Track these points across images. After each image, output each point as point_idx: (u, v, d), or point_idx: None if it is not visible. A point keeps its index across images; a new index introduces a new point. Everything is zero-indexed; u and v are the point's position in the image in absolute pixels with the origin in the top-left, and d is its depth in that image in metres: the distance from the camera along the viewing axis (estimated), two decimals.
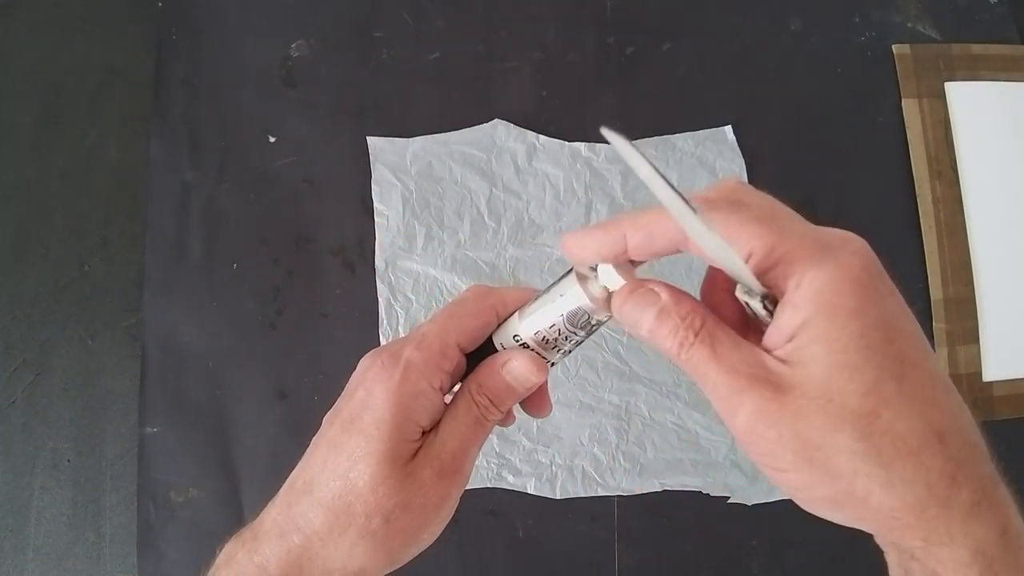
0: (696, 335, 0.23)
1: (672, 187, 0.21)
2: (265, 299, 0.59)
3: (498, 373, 0.27)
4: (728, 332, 0.23)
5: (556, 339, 0.28)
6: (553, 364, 0.28)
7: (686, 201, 0.21)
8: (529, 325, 0.27)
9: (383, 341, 0.57)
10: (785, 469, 0.22)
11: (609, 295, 0.26)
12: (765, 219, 0.23)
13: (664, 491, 0.57)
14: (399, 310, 0.58)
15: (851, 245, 0.23)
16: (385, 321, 0.58)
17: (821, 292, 0.21)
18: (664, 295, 0.24)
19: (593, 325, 0.26)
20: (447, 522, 0.30)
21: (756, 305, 0.23)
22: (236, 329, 0.58)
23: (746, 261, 0.22)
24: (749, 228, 0.23)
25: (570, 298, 0.26)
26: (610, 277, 0.25)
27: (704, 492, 0.57)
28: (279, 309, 0.59)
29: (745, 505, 0.57)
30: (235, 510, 0.56)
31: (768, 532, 0.57)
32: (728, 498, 0.57)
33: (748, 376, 0.21)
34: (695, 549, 0.57)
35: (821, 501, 0.22)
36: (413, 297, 0.58)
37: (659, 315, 0.24)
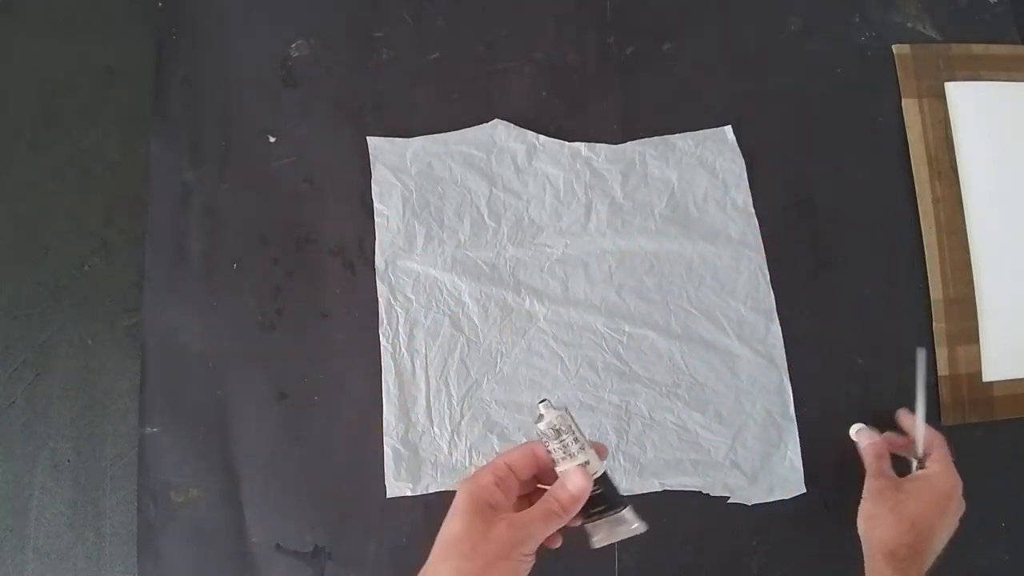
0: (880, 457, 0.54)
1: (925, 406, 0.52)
2: (265, 299, 0.59)
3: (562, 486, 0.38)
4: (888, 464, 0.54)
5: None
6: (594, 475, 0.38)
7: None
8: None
9: (383, 341, 0.57)
10: (882, 506, 0.51)
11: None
12: (940, 442, 0.52)
13: (664, 491, 0.57)
14: (399, 310, 0.58)
15: (958, 482, 0.50)
16: (385, 321, 0.58)
17: (937, 477, 0.50)
18: (877, 436, 0.56)
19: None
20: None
21: (915, 462, 0.52)
22: (236, 329, 0.58)
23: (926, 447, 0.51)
24: (934, 440, 0.52)
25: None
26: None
27: (704, 492, 0.57)
28: (279, 309, 0.59)
29: (745, 505, 0.57)
30: (235, 510, 0.56)
31: (768, 532, 0.57)
32: (728, 498, 0.57)
33: (886, 477, 0.51)
34: (695, 549, 0.57)
35: (867, 516, 0.52)
36: (413, 297, 0.58)
37: (872, 442, 0.56)
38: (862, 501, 0.51)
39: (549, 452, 0.38)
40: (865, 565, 0.49)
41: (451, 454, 0.57)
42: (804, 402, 0.58)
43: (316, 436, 0.57)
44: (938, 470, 0.50)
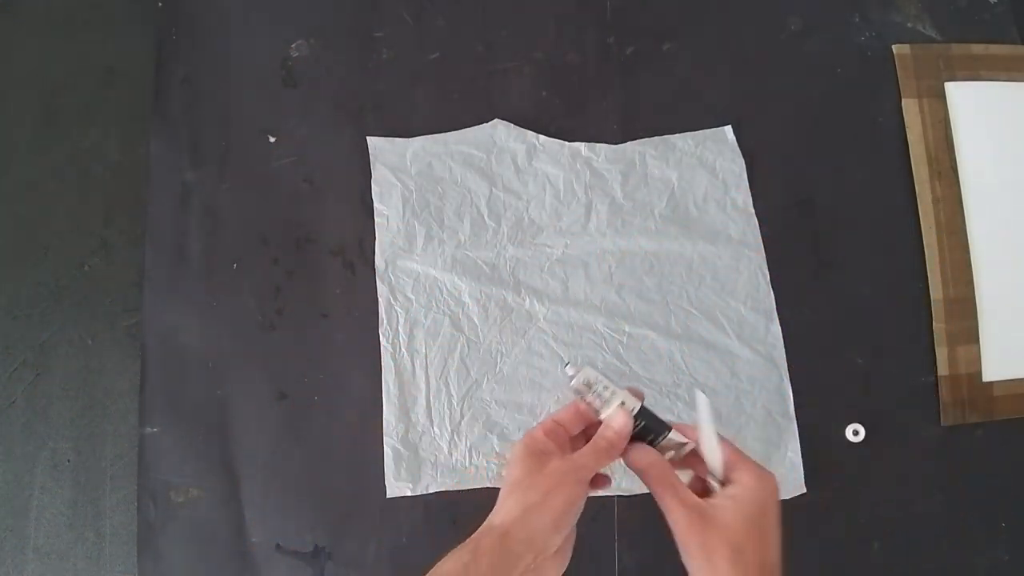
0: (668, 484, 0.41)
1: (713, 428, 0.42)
2: (265, 299, 0.59)
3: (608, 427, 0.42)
4: (684, 488, 0.41)
5: None
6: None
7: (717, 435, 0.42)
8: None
9: (383, 341, 0.57)
10: (697, 547, 0.39)
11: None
12: (751, 461, 0.42)
13: None
14: (399, 310, 0.58)
15: (770, 486, 0.41)
16: (385, 321, 0.58)
17: (749, 494, 0.40)
18: (654, 456, 0.42)
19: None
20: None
21: (715, 483, 0.41)
22: (236, 329, 0.58)
23: (722, 463, 0.42)
24: (731, 452, 0.42)
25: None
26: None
27: None
28: (279, 309, 0.59)
29: None
30: (235, 510, 0.56)
31: None
32: None
33: (689, 504, 0.40)
34: None
35: (709, 565, 0.39)
36: (413, 297, 0.58)
37: (650, 464, 0.42)
38: (681, 550, 0.40)
39: (589, 404, 0.41)
40: None
41: (451, 454, 0.57)
42: (804, 402, 0.58)
43: (316, 436, 0.57)
44: (751, 483, 0.41)
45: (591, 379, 0.42)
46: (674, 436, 0.42)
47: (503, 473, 0.45)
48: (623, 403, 0.42)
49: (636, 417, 0.42)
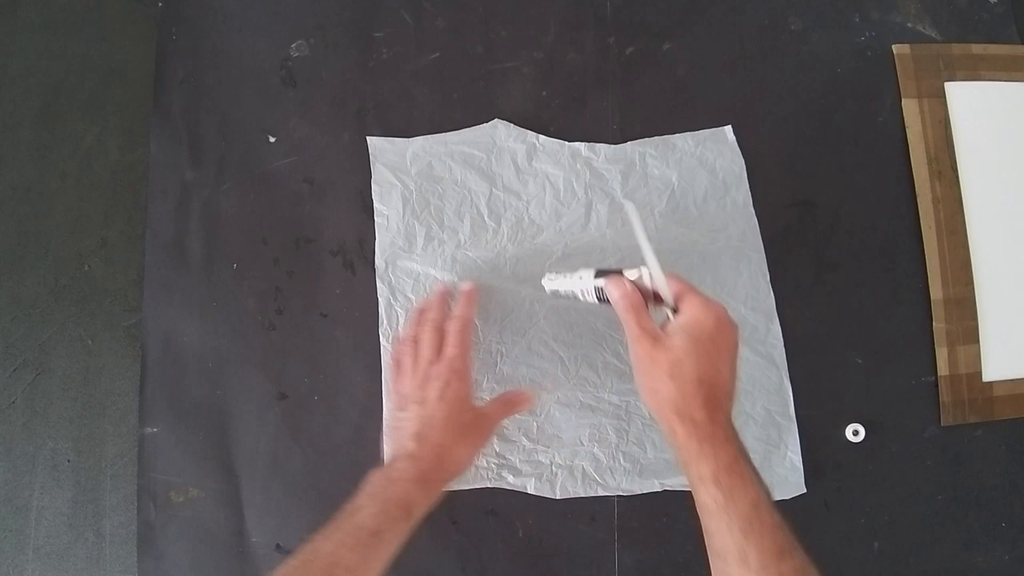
0: (633, 306, 0.47)
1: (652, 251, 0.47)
2: (265, 299, 0.59)
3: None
4: (644, 314, 0.47)
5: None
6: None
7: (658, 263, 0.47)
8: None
9: (383, 341, 0.57)
10: (644, 370, 0.46)
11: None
12: (695, 291, 0.47)
13: (664, 491, 0.57)
14: (399, 310, 0.58)
15: (714, 313, 0.45)
16: (385, 321, 0.58)
17: (694, 319, 0.45)
18: (628, 287, 0.48)
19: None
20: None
21: (669, 311, 0.47)
22: (236, 329, 0.58)
23: (674, 294, 0.47)
24: (678, 283, 0.47)
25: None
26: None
27: None
28: (279, 309, 0.59)
29: None
30: (235, 510, 0.56)
31: None
32: None
33: (645, 331, 0.46)
34: (695, 549, 0.57)
35: (649, 391, 0.46)
36: (413, 297, 0.58)
37: (626, 295, 0.48)
38: (633, 370, 0.47)
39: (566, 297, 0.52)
40: (669, 442, 0.45)
41: None
42: (804, 402, 0.58)
43: (316, 436, 0.57)
44: (695, 311, 0.45)
45: (557, 289, 0.52)
46: (627, 272, 0.48)
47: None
48: (581, 277, 0.50)
49: (597, 275, 0.49)
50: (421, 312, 0.55)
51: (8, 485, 0.57)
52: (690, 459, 0.43)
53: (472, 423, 0.51)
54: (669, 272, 0.47)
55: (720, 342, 0.45)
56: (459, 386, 0.51)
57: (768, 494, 0.42)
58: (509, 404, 0.54)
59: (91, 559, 0.56)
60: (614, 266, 0.53)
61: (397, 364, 0.54)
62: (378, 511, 0.44)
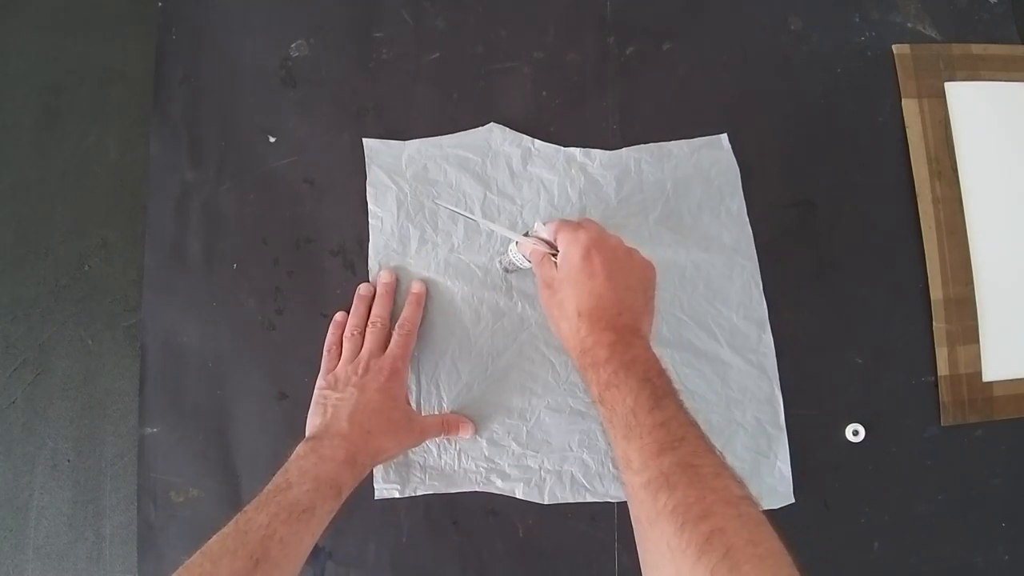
0: (539, 260, 0.51)
1: (499, 227, 0.55)
2: (265, 299, 0.59)
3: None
4: (547, 263, 0.51)
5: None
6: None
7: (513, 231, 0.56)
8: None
9: None
10: (549, 316, 0.50)
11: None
12: (567, 228, 0.49)
13: None
14: None
15: (578, 240, 0.48)
16: None
17: (563, 256, 0.49)
18: (537, 245, 0.51)
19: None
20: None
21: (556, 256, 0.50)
22: (236, 329, 0.58)
23: (552, 240, 0.51)
24: (555, 225, 0.51)
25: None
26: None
27: None
28: (279, 309, 0.59)
29: None
30: (235, 510, 0.56)
31: None
32: None
33: (545, 280, 0.50)
34: None
35: (556, 335, 0.50)
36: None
37: (533, 252, 0.52)
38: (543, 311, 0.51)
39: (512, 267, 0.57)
40: (577, 364, 0.47)
41: (440, 457, 0.57)
42: (804, 402, 0.58)
43: None
44: (562, 247, 0.49)
45: (507, 264, 0.57)
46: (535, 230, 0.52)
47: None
48: (517, 243, 0.54)
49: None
50: (364, 300, 0.57)
51: (8, 485, 0.57)
52: (585, 386, 0.46)
53: (403, 422, 0.52)
54: (554, 219, 0.52)
55: (592, 267, 0.47)
56: (397, 383, 0.53)
57: (656, 394, 0.42)
58: (446, 424, 0.55)
59: (91, 559, 0.56)
60: None
61: (337, 346, 0.56)
62: (311, 488, 0.45)
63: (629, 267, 0.48)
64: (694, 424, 0.41)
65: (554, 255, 0.50)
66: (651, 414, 0.40)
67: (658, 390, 0.42)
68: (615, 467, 0.42)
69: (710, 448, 0.39)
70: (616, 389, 0.42)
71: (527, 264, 0.54)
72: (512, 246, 0.55)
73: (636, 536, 0.40)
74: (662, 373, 0.43)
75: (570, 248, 0.48)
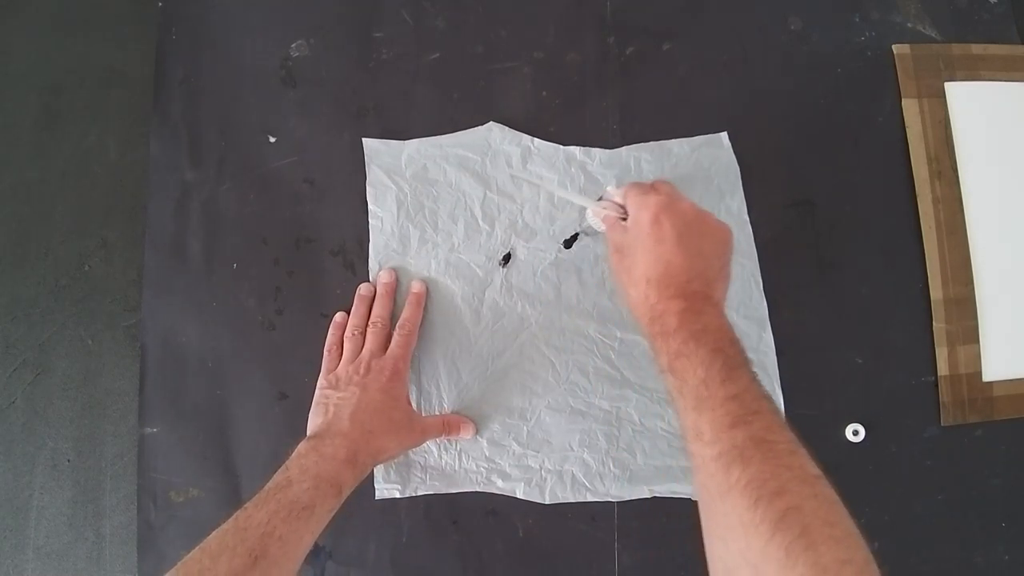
0: (610, 225, 0.51)
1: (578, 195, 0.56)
2: (265, 299, 0.59)
3: None
4: (617, 228, 0.50)
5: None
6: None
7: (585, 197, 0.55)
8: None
9: None
10: (618, 281, 0.49)
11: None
12: (637, 191, 0.49)
13: None
14: None
15: (647, 205, 0.47)
16: None
17: (632, 220, 0.48)
18: (615, 212, 0.51)
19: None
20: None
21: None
22: (236, 329, 0.58)
23: (623, 203, 0.50)
24: (625, 188, 0.50)
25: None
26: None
27: (694, 500, 0.56)
28: (279, 309, 0.59)
29: None
30: (235, 510, 0.56)
31: None
32: None
33: (615, 245, 0.49)
34: (694, 549, 0.57)
35: (624, 302, 0.50)
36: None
37: (605, 217, 0.52)
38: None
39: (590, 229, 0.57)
40: (645, 332, 0.45)
41: (441, 457, 0.57)
42: (804, 402, 0.58)
43: None
44: (632, 211, 0.48)
45: (585, 228, 0.57)
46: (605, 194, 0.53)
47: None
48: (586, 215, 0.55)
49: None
50: (364, 300, 0.57)
51: (8, 485, 0.57)
52: (654, 356, 0.44)
53: (404, 422, 0.53)
54: (628, 182, 0.51)
55: (662, 232, 0.45)
56: (399, 383, 0.53)
57: (728, 365, 0.40)
58: (447, 425, 0.55)
59: (91, 559, 0.56)
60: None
61: (338, 346, 0.56)
62: (311, 487, 0.45)
63: (701, 231, 0.46)
64: (767, 397, 0.40)
65: (624, 218, 0.49)
66: (723, 386, 0.39)
67: (730, 360, 0.41)
68: (684, 438, 0.41)
69: (783, 424, 0.38)
70: (686, 359, 0.41)
71: (603, 228, 0.53)
72: (588, 211, 0.54)
73: (701, 506, 0.39)
74: (735, 342, 0.42)
75: (639, 212, 0.47)
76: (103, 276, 0.60)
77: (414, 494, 0.56)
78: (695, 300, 0.43)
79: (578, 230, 0.58)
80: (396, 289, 0.58)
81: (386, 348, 0.55)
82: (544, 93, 0.62)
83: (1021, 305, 0.61)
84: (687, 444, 0.40)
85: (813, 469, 0.36)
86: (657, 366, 0.44)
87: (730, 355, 0.41)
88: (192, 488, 0.57)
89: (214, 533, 0.42)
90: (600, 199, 0.53)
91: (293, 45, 0.63)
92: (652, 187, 0.49)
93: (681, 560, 0.57)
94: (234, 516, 0.43)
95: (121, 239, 0.60)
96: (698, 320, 0.42)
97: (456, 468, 0.57)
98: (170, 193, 0.60)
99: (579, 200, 0.54)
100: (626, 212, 0.49)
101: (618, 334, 0.58)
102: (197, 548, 0.41)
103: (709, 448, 0.38)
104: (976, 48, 0.64)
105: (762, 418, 0.38)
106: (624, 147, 0.61)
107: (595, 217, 0.53)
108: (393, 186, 0.60)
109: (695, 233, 0.46)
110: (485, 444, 0.57)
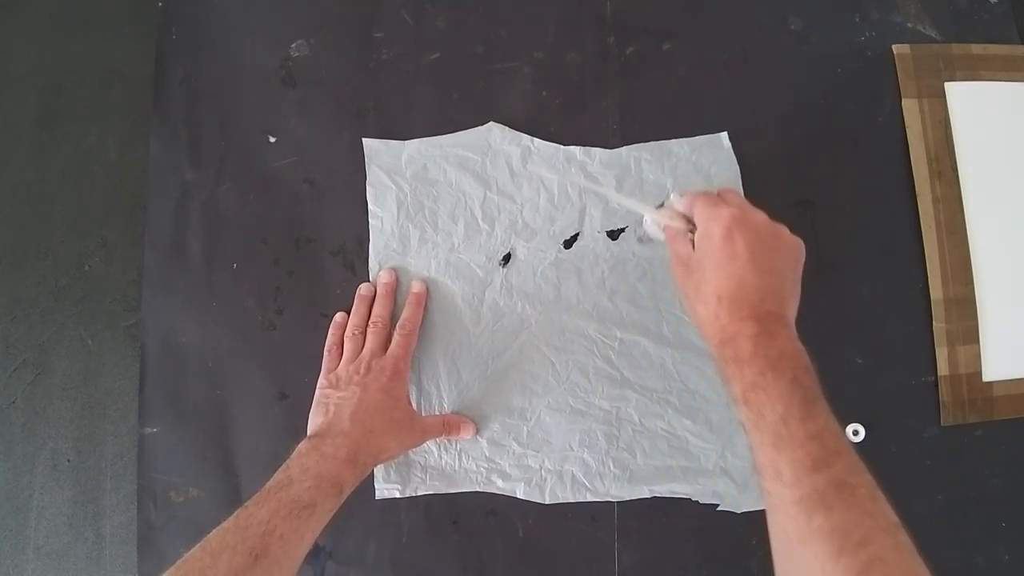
0: (673, 236, 0.49)
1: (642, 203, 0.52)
2: (265, 299, 0.59)
3: None
4: (682, 240, 0.48)
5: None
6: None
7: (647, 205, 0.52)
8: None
9: None
10: (684, 297, 0.47)
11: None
12: (706, 202, 0.46)
13: None
14: None
15: (719, 218, 0.44)
16: None
17: (702, 233, 0.45)
18: (679, 223, 0.48)
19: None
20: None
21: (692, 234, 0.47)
22: (236, 329, 0.58)
23: (688, 214, 0.48)
24: (692, 197, 0.47)
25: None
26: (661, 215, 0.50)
27: (694, 500, 0.57)
28: (279, 309, 0.59)
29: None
30: (235, 510, 0.56)
31: (767, 532, 0.57)
32: (717, 506, 0.57)
33: (680, 259, 0.47)
34: (694, 549, 0.57)
35: (691, 318, 0.46)
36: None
37: (666, 228, 0.49)
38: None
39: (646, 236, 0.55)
40: (714, 353, 0.44)
41: (441, 457, 0.57)
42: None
43: None
44: (701, 224, 0.45)
45: (641, 235, 0.57)
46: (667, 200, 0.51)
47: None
48: (645, 220, 0.53)
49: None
50: (365, 300, 0.57)
51: (8, 485, 0.57)
52: (724, 380, 0.42)
53: (405, 421, 0.53)
54: (691, 190, 0.48)
55: (735, 248, 0.43)
56: (399, 383, 0.53)
57: (807, 399, 0.39)
58: (448, 425, 0.55)
59: (91, 559, 0.56)
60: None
61: (338, 346, 0.56)
62: (312, 486, 0.45)
63: (775, 247, 0.44)
64: (843, 434, 0.39)
65: (691, 230, 0.47)
66: (803, 424, 0.38)
67: (809, 394, 0.39)
68: (758, 474, 0.40)
69: (862, 465, 0.38)
70: (764, 392, 0.39)
71: (662, 236, 0.51)
72: (646, 218, 0.52)
73: (776, 547, 0.39)
74: (809, 369, 0.40)
75: (710, 225, 0.44)
76: (103, 276, 0.60)
77: (414, 494, 0.56)
78: (768, 322, 0.42)
79: (636, 236, 0.58)
80: (396, 289, 0.58)
81: (386, 348, 0.55)
82: (544, 93, 0.62)
83: (1021, 305, 0.61)
84: (762, 481, 0.39)
85: (893, 516, 0.36)
86: (727, 392, 0.42)
87: (807, 386, 0.40)
88: (192, 488, 0.57)
89: (215, 531, 0.42)
90: (661, 205, 0.51)
91: (293, 45, 0.63)
92: (721, 198, 0.47)
93: (681, 560, 0.57)
94: (235, 514, 0.43)
95: (121, 239, 0.60)
96: (773, 345, 0.41)
97: (456, 468, 0.57)
98: (170, 193, 0.60)
99: (638, 208, 0.51)
100: (691, 223, 0.47)
101: (618, 334, 0.58)
102: (198, 546, 0.41)
103: (789, 490, 0.37)
104: (976, 48, 0.64)
105: (843, 459, 0.37)
106: (624, 147, 0.61)
107: (654, 226, 0.51)
108: (393, 186, 0.60)
109: (769, 248, 0.44)
110: (485, 444, 0.57)
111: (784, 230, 0.46)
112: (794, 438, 0.38)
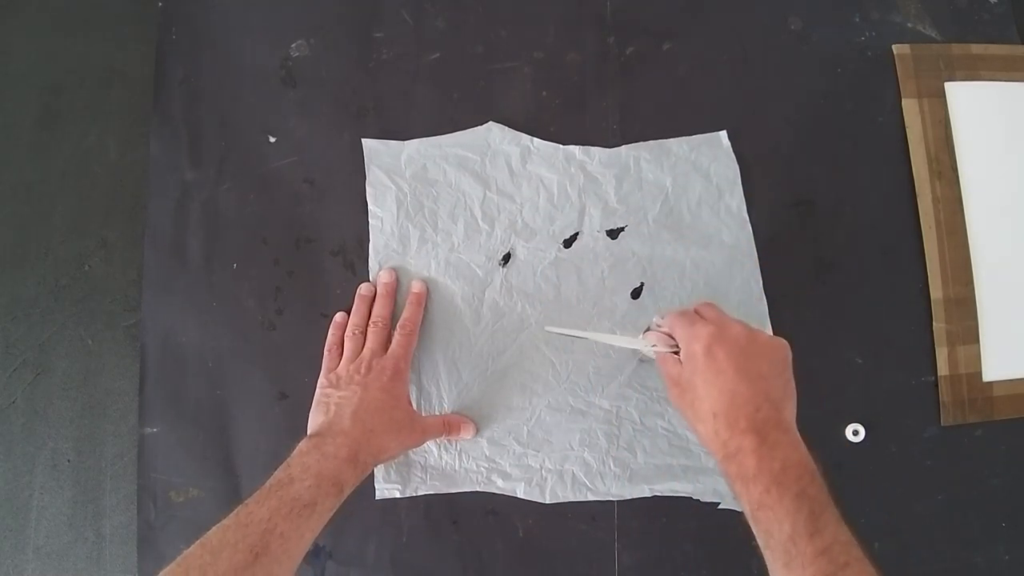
0: (662, 359, 0.49)
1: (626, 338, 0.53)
2: (265, 299, 0.59)
3: None
4: (670, 361, 0.49)
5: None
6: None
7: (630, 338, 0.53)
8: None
9: None
10: (683, 416, 0.47)
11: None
12: (684, 322, 0.48)
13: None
14: None
15: (698, 337, 0.46)
16: None
17: (686, 354, 0.47)
18: (665, 346, 0.50)
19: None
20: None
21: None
22: (236, 329, 0.58)
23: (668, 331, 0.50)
24: (671, 318, 0.49)
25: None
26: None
27: (694, 498, 0.57)
28: (279, 309, 0.59)
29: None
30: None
31: None
32: (718, 504, 0.57)
33: (672, 379, 0.48)
34: (694, 549, 0.57)
35: (694, 431, 0.46)
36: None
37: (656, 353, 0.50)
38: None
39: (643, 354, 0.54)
40: (721, 467, 0.44)
41: (441, 457, 0.57)
42: (803, 402, 0.58)
43: None
44: (683, 345, 0.47)
45: (642, 357, 0.56)
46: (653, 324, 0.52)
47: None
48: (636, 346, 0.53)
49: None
50: (365, 300, 0.57)
51: (8, 485, 0.57)
52: (734, 496, 0.43)
53: (405, 421, 0.52)
54: (669, 310, 0.50)
55: (718, 364, 0.44)
56: (400, 383, 0.53)
57: (814, 512, 0.40)
58: (448, 425, 0.55)
59: (91, 559, 0.56)
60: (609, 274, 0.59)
61: (338, 346, 0.56)
62: (312, 484, 0.45)
63: (757, 354, 0.45)
64: (852, 542, 0.39)
65: (676, 351, 0.48)
66: (811, 541, 0.38)
67: (816, 506, 0.40)
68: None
69: (872, 571, 0.38)
70: (771, 511, 0.40)
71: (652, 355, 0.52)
72: (641, 341, 0.52)
73: None
74: (815, 476, 0.41)
75: (691, 345, 0.46)
76: (103, 276, 0.60)
77: (414, 494, 0.56)
78: (768, 430, 0.42)
79: (636, 357, 0.57)
80: (396, 289, 0.58)
81: (387, 348, 0.55)
82: (544, 93, 0.62)
83: (1021, 305, 0.61)
84: None
85: None
86: (739, 505, 0.43)
87: (814, 496, 0.40)
88: (192, 488, 0.57)
89: (215, 529, 0.42)
90: (647, 330, 0.51)
91: (293, 45, 0.63)
92: (699, 314, 0.48)
93: (681, 560, 0.57)
94: (235, 512, 0.43)
95: (121, 239, 0.60)
96: (775, 457, 0.41)
97: (456, 468, 0.57)
98: (170, 193, 0.60)
99: (628, 344, 0.52)
100: (675, 343, 0.48)
101: (618, 332, 0.58)
102: (197, 543, 0.41)
103: None
104: (976, 48, 0.64)
105: (852, 570, 0.38)
106: (623, 146, 0.61)
107: (646, 352, 0.51)
108: (393, 186, 0.60)
109: (751, 356, 0.45)
110: (485, 444, 0.57)
111: (762, 334, 0.47)
112: (803, 556, 0.38)
